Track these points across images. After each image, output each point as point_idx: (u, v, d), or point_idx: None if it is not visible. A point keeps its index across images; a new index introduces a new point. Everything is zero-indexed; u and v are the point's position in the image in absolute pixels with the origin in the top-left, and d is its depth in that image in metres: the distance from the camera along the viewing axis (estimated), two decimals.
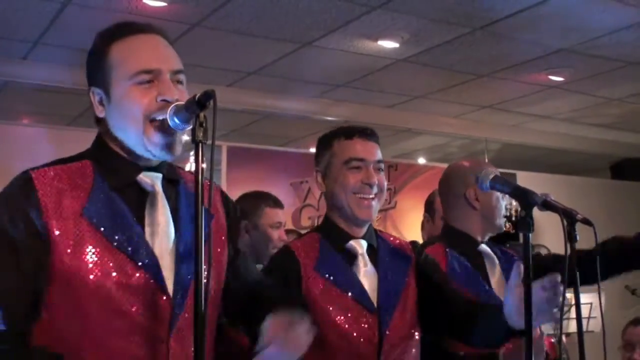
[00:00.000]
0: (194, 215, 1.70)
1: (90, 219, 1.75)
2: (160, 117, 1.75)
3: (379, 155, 2.50)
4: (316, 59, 6.42)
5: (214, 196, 2.00)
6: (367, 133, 2.51)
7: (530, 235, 2.01)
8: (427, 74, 6.87)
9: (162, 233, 1.83)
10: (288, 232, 5.76)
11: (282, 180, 7.18)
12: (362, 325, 2.35)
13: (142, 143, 1.80)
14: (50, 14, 5.26)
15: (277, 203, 3.73)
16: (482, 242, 2.87)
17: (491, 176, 2.23)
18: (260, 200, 3.70)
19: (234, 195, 6.92)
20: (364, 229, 2.50)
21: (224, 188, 6.63)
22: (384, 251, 2.52)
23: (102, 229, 1.75)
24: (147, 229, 1.82)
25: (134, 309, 1.74)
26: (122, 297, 1.73)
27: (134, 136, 1.81)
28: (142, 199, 1.84)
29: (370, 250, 2.49)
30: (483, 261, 2.83)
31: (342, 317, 2.34)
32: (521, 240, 2.86)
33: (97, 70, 1.86)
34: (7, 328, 1.69)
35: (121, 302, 1.72)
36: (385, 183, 2.51)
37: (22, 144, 5.95)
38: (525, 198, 2.07)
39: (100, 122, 1.89)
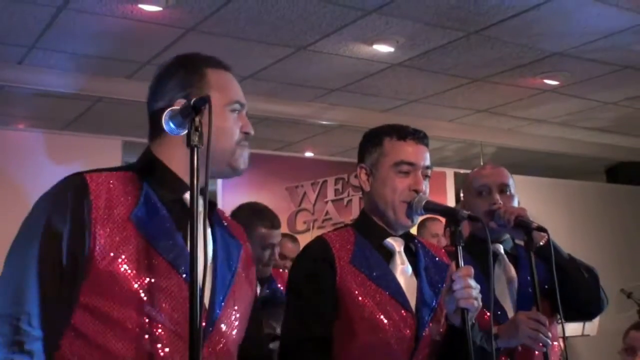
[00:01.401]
0: (226, 248, 1.96)
1: (136, 223, 1.81)
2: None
3: (428, 160, 2.47)
4: (311, 63, 6.42)
5: (242, 235, 2.13)
6: (419, 136, 2.49)
7: (461, 247, 2.23)
8: (422, 78, 6.88)
9: (200, 250, 1.87)
10: (283, 235, 5.78)
11: (277, 185, 7.19)
12: (399, 323, 2.32)
13: (225, 158, 1.95)
14: (45, 19, 5.25)
15: (273, 224, 3.62)
16: (497, 244, 2.87)
17: (423, 202, 2.38)
18: (256, 218, 3.59)
19: (229, 199, 6.92)
20: (400, 231, 2.49)
21: (219, 192, 6.71)
22: (422, 253, 2.50)
23: (147, 234, 1.81)
24: (189, 244, 1.84)
25: (169, 314, 1.77)
26: (159, 302, 1.77)
27: (221, 151, 1.93)
28: (185, 217, 1.87)
29: (407, 250, 2.47)
30: (493, 264, 2.82)
31: (378, 313, 2.31)
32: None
33: (190, 85, 1.95)
34: (44, 341, 1.74)
35: (157, 306, 1.76)
36: (428, 190, 2.46)
37: (17, 149, 5.95)
38: (453, 215, 2.28)
39: (164, 133, 1.87)
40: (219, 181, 6.78)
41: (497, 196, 2.86)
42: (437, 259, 2.54)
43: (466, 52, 6.20)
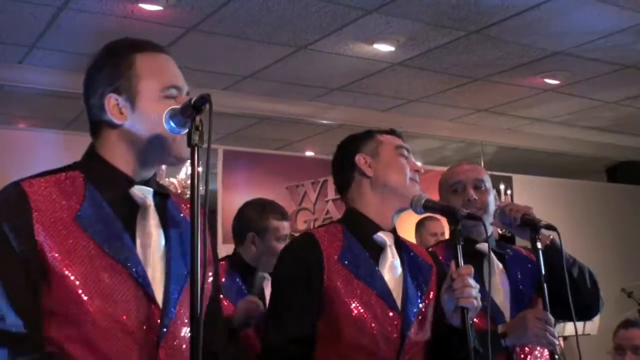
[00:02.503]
0: (182, 229, 1.86)
1: (83, 226, 1.76)
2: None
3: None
4: (312, 63, 6.42)
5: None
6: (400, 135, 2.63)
7: (461, 245, 2.24)
8: (423, 77, 6.88)
9: (154, 245, 1.84)
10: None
11: (277, 184, 7.18)
12: (384, 322, 2.32)
13: (166, 149, 1.85)
14: (46, 18, 5.26)
15: (283, 215, 3.68)
16: (482, 242, 2.86)
17: (422, 201, 2.39)
18: (267, 211, 3.65)
19: (229, 199, 6.92)
20: (392, 223, 2.50)
21: (220, 192, 6.70)
22: (406, 253, 2.51)
23: (95, 235, 1.76)
24: (138, 241, 1.82)
25: (123, 316, 1.74)
26: (112, 303, 1.73)
27: (161, 142, 1.84)
28: (133, 212, 1.85)
29: (395, 246, 2.47)
30: (480, 261, 2.83)
31: (363, 312, 2.31)
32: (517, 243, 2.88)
33: (119, 76, 1.87)
34: (27, 329, 1.68)
35: (111, 307, 1.72)
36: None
37: (18, 148, 5.94)
38: (452, 214, 2.29)
39: (102, 129, 1.89)
40: (220, 180, 6.78)
41: (472, 192, 2.89)
42: (420, 259, 2.55)
43: (467, 52, 6.20)
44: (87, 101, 1.93)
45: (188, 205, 2.01)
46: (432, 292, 2.48)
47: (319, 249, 2.37)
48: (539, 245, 2.70)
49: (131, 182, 1.86)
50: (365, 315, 2.31)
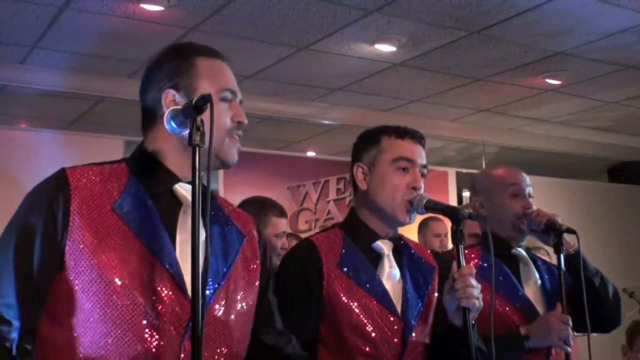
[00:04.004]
0: (223, 234, 1.91)
1: (120, 214, 1.80)
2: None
3: (425, 159, 2.48)
4: (313, 63, 6.42)
5: (249, 225, 2.08)
6: (417, 136, 2.50)
7: (463, 245, 2.22)
8: (424, 77, 6.88)
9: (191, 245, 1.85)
10: (287, 235, 5.78)
11: (279, 184, 7.19)
12: (385, 327, 2.32)
13: (217, 152, 1.86)
14: (47, 19, 5.26)
15: (282, 212, 3.74)
16: (518, 247, 2.92)
17: (424, 201, 2.37)
18: (266, 208, 3.70)
19: (230, 199, 6.93)
20: (392, 230, 2.48)
21: (221, 192, 6.71)
22: (408, 256, 2.50)
23: (131, 224, 1.80)
24: (179, 237, 1.85)
25: (154, 305, 1.76)
26: (143, 293, 1.75)
27: (214, 144, 1.77)
28: (175, 208, 1.88)
29: (394, 252, 2.46)
30: (517, 264, 2.89)
31: (364, 318, 2.31)
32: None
33: (179, 74, 1.91)
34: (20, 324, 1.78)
35: (142, 296, 1.75)
36: (423, 189, 2.44)
37: (19, 148, 5.95)
38: (454, 214, 2.25)
39: (155, 123, 1.92)
40: (221, 181, 6.79)
41: (529, 200, 2.93)
42: (423, 260, 2.54)
43: (468, 52, 6.20)
44: (143, 94, 1.96)
45: (232, 206, 2.11)
46: (434, 294, 2.48)
47: (318, 256, 2.37)
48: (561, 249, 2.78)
49: (176, 180, 1.90)
50: (365, 321, 2.32)
